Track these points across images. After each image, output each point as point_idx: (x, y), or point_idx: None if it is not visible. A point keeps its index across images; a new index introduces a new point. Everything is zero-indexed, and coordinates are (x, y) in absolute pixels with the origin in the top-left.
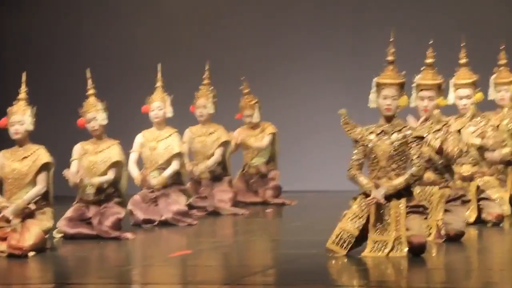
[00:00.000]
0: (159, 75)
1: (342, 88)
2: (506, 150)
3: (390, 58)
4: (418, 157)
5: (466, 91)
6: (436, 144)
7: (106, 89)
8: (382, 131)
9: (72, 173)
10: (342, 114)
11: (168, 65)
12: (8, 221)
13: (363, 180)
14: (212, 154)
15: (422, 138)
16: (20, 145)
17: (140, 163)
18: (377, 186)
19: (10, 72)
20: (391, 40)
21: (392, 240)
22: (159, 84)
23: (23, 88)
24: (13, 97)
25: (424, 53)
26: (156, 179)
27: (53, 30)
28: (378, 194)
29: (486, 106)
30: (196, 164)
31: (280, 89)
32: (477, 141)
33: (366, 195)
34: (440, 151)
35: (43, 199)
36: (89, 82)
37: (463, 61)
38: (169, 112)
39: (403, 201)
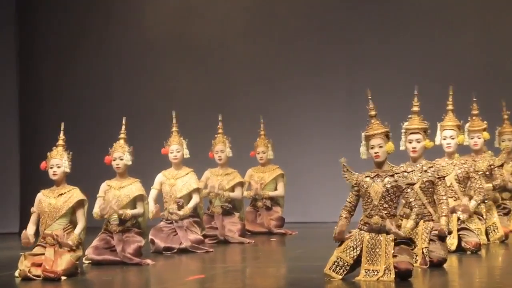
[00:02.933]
0: (174, 120)
1: (341, 128)
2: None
3: (372, 113)
4: (415, 200)
5: (451, 132)
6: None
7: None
8: (377, 174)
9: (103, 205)
10: (342, 163)
11: (183, 112)
12: (55, 237)
13: (340, 222)
14: (226, 190)
15: (413, 184)
16: (57, 185)
17: (159, 199)
18: (367, 224)
19: (49, 118)
20: (369, 97)
21: (383, 269)
22: (174, 129)
23: (61, 136)
24: (52, 143)
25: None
26: (182, 210)
27: (86, 80)
28: (399, 235)
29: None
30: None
31: (282, 129)
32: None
33: (360, 229)
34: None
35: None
36: (123, 127)
37: (449, 107)
38: (186, 154)
39: (392, 235)
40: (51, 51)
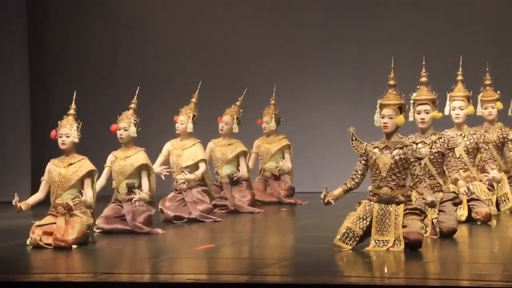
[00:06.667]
0: (196, 92)
1: (350, 97)
2: None
3: (391, 82)
4: (421, 175)
5: (460, 103)
6: None
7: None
8: (385, 146)
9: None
10: (350, 132)
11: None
12: (70, 208)
13: (338, 189)
14: (230, 160)
15: (421, 158)
16: (66, 155)
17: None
18: (376, 195)
19: (60, 85)
20: (392, 66)
21: (392, 239)
22: (194, 100)
23: (73, 105)
24: (63, 111)
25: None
26: (188, 175)
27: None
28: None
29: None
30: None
31: (291, 99)
32: None
33: (370, 200)
34: None
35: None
36: (135, 97)
37: (459, 77)
38: (189, 127)
39: (402, 206)
40: (59, 20)
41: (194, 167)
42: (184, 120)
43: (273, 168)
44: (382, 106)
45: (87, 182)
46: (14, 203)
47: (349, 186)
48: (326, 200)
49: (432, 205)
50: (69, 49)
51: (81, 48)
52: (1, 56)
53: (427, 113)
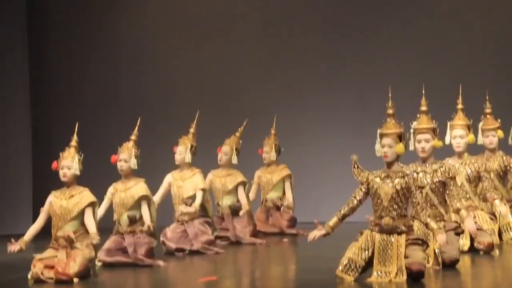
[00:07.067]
0: (194, 122)
1: (348, 126)
2: None
3: (389, 111)
4: (423, 203)
5: (460, 132)
6: None
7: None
8: (387, 175)
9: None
10: (353, 160)
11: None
12: (71, 241)
13: (333, 218)
14: (230, 190)
15: (423, 187)
16: (68, 187)
17: (168, 200)
18: (378, 225)
19: (62, 117)
20: (389, 95)
21: (395, 270)
22: (192, 130)
23: (75, 137)
24: (64, 142)
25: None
26: (187, 209)
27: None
28: (442, 239)
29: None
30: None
31: (293, 128)
32: None
33: (371, 230)
34: None
35: (86, 232)
36: (136, 129)
37: (459, 106)
38: (187, 158)
39: (404, 236)
40: (62, 52)
41: (196, 197)
42: (182, 151)
43: (275, 198)
44: (382, 136)
45: (88, 212)
46: (10, 250)
47: (343, 212)
48: (321, 234)
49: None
50: (71, 80)
51: (83, 80)
52: (2, 84)
53: (427, 142)
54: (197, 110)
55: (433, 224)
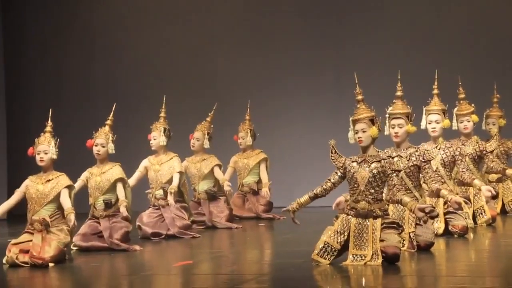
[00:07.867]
0: (163, 106)
1: (324, 110)
2: None
3: (358, 97)
4: (399, 185)
5: (436, 117)
6: None
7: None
8: (363, 160)
9: None
10: (331, 145)
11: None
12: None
13: (304, 196)
14: (206, 175)
15: (399, 171)
16: (44, 171)
17: (145, 183)
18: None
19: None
20: (356, 82)
21: (370, 253)
22: (162, 114)
23: (49, 122)
24: (39, 129)
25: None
26: (170, 191)
27: (71, 64)
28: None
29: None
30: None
31: (266, 113)
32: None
33: (347, 214)
34: None
35: (62, 217)
36: (111, 114)
37: (435, 91)
38: (162, 141)
39: (379, 220)
40: (36, 38)
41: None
42: (156, 135)
43: (251, 183)
44: (355, 122)
45: (64, 193)
46: None
47: (315, 192)
48: (290, 208)
49: (434, 215)
50: (45, 66)
51: (58, 65)
52: None
53: (401, 127)
54: (172, 95)
55: (406, 199)
